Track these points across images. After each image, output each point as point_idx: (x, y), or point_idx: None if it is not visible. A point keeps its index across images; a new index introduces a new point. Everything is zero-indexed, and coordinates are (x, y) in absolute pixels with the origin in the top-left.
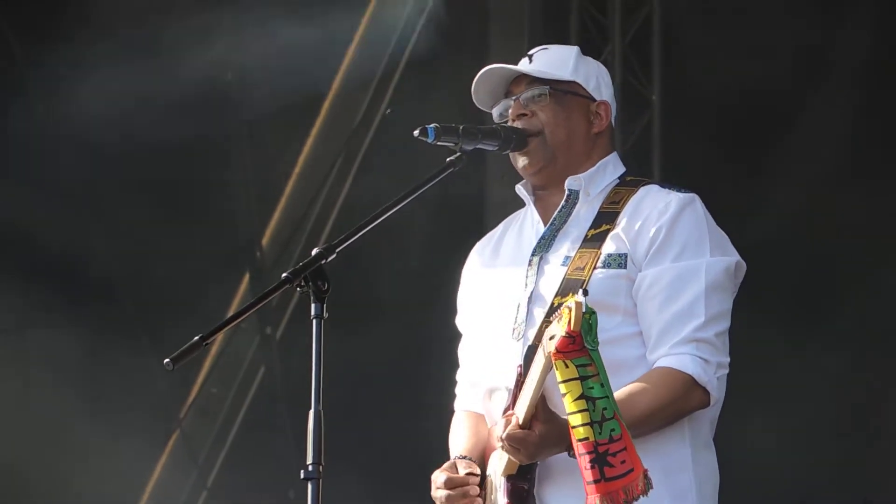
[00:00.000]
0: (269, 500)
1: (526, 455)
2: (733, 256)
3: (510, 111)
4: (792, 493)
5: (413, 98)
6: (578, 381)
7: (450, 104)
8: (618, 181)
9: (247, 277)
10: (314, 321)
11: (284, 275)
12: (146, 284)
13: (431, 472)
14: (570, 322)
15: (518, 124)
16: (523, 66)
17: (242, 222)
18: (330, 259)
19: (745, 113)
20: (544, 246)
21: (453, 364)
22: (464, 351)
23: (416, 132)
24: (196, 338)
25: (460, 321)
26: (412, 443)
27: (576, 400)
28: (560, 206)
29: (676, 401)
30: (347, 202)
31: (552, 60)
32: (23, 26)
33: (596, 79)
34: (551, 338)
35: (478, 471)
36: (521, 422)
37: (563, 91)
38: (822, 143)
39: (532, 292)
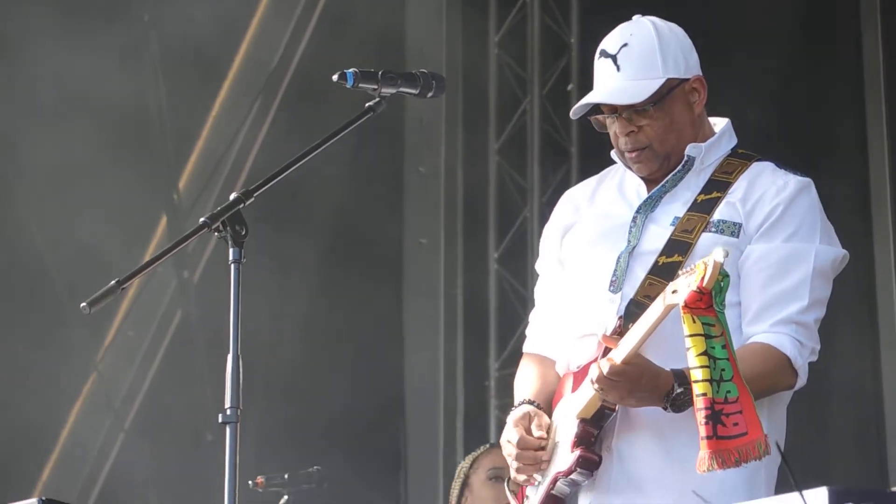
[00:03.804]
0: (186, 442)
1: (624, 388)
2: (840, 249)
3: (616, 128)
4: None
5: (331, 40)
6: (703, 338)
7: (368, 46)
8: (730, 152)
9: (164, 220)
10: (232, 266)
11: (202, 219)
12: (60, 228)
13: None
14: (703, 278)
15: (625, 142)
16: (609, 71)
17: (159, 165)
18: (248, 203)
19: None
20: (650, 205)
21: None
22: (543, 293)
23: (335, 77)
24: (113, 282)
25: (543, 265)
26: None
27: (699, 355)
28: (676, 171)
29: (769, 377)
30: (265, 145)
31: (641, 62)
32: None
33: (682, 56)
34: (674, 291)
35: (545, 436)
36: (620, 361)
37: (661, 95)
38: None
39: (634, 248)
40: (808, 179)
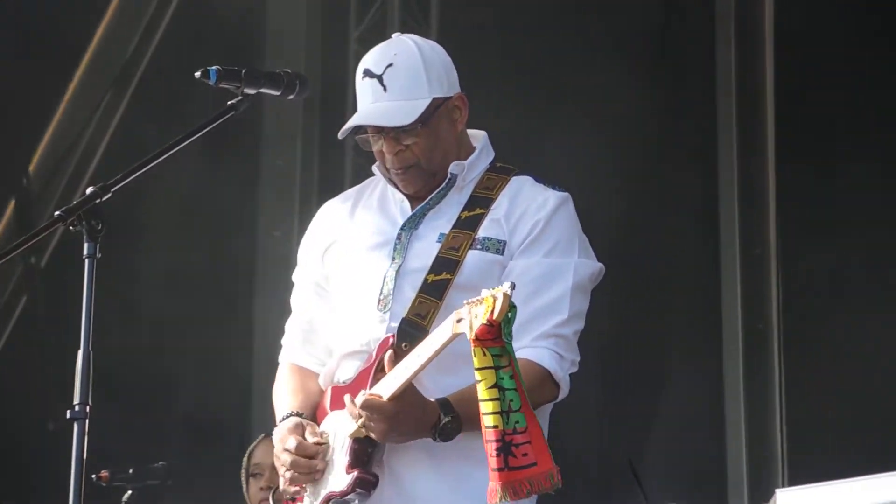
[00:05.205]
0: (26, 431)
1: (385, 424)
2: (597, 262)
3: (383, 147)
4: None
5: (189, 28)
6: (493, 370)
7: (226, 37)
8: (489, 166)
9: (12, 204)
10: (86, 261)
11: (58, 213)
12: None
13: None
14: (493, 311)
15: (392, 161)
16: (375, 92)
17: (9, 147)
18: (105, 199)
19: None
20: (414, 223)
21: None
22: (301, 304)
23: (197, 74)
24: None
25: (300, 276)
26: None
27: (489, 388)
28: (440, 188)
29: (532, 392)
30: (118, 133)
31: (407, 82)
32: None
33: (445, 75)
34: (459, 320)
35: (323, 440)
36: (390, 395)
37: (427, 115)
38: None
39: (400, 267)
40: (566, 194)
